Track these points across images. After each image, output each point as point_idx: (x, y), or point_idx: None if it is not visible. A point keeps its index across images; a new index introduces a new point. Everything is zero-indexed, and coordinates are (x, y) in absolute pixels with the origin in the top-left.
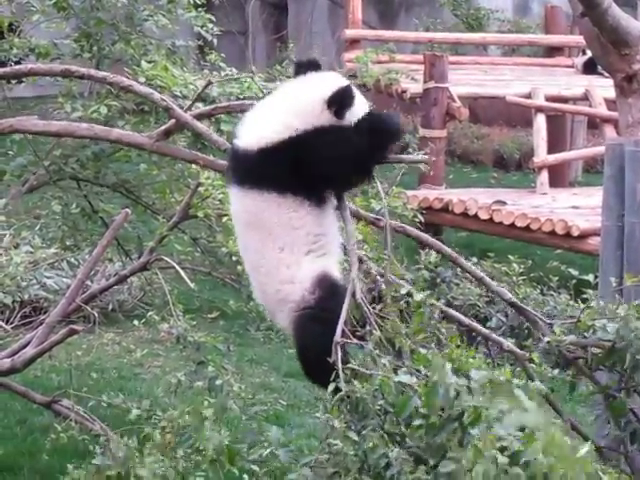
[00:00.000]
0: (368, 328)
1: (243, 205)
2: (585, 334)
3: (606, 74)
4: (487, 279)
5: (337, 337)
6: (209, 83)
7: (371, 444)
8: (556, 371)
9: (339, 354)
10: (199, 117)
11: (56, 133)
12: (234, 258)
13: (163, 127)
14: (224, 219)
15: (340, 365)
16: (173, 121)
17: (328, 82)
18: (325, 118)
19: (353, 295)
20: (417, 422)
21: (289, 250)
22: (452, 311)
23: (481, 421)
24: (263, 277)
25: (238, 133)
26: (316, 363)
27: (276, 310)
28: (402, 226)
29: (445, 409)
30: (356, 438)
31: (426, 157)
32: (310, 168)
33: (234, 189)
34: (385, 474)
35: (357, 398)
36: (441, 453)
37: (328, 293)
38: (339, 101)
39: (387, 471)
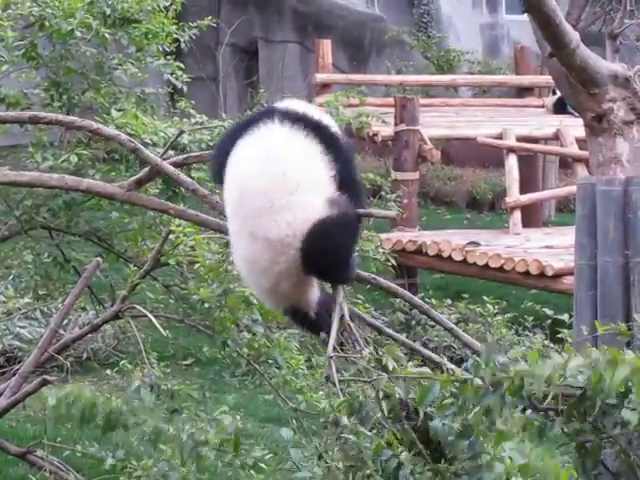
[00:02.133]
0: (358, 348)
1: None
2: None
3: (576, 114)
4: (457, 330)
5: (329, 352)
6: (181, 132)
7: (376, 445)
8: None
9: (333, 367)
10: (172, 166)
11: (27, 183)
12: (206, 305)
13: (135, 177)
14: (196, 266)
15: (336, 377)
16: (145, 170)
17: None
18: None
19: (341, 318)
20: (448, 401)
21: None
22: (423, 350)
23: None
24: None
25: None
26: (341, 262)
27: (283, 241)
28: (374, 277)
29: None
30: (368, 433)
31: (394, 213)
32: None
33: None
34: (398, 474)
35: (360, 402)
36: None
37: (346, 208)
38: None
39: (399, 471)
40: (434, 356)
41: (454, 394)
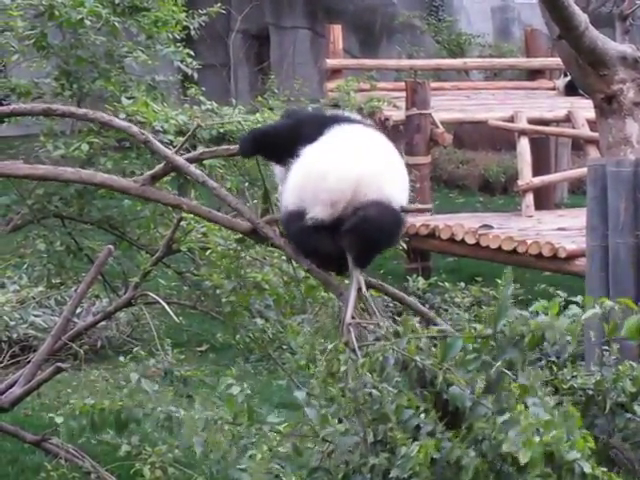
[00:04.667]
0: (375, 319)
1: None
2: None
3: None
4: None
5: (348, 319)
6: (198, 126)
7: (397, 405)
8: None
9: (352, 334)
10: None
11: (41, 177)
12: (218, 291)
13: (150, 172)
14: (207, 252)
15: (355, 342)
16: (160, 166)
17: None
18: None
19: (359, 290)
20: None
21: None
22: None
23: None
24: None
25: None
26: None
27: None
28: (381, 284)
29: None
30: (391, 389)
31: (430, 206)
32: None
33: None
34: (418, 433)
35: (381, 362)
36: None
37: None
38: None
39: (420, 430)
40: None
41: (476, 349)
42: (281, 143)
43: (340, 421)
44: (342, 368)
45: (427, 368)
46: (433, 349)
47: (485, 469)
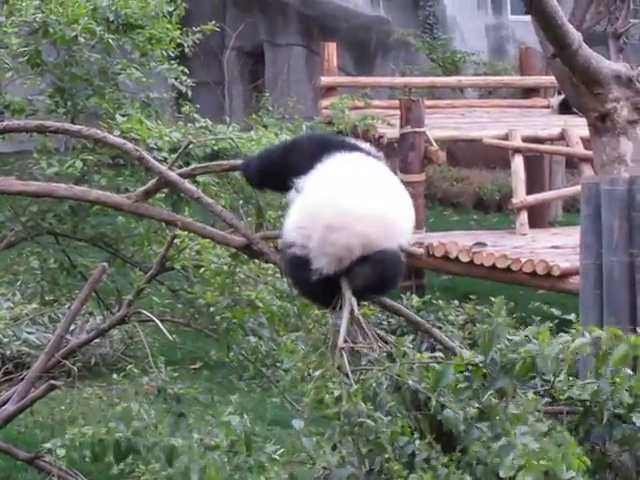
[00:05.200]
0: (367, 341)
1: None
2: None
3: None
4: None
5: (340, 343)
6: (189, 143)
7: (392, 431)
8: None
9: (345, 357)
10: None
11: (34, 193)
12: (212, 309)
13: (143, 188)
14: (201, 270)
15: (348, 367)
16: (153, 182)
17: None
18: None
19: (351, 312)
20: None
21: None
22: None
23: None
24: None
25: None
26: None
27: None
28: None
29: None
30: (384, 418)
31: (422, 250)
32: None
33: None
34: (414, 460)
35: (374, 389)
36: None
37: None
38: None
39: (415, 458)
40: (446, 340)
41: (467, 378)
42: (279, 172)
43: (335, 447)
44: (336, 393)
45: (420, 390)
46: (425, 372)
47: None
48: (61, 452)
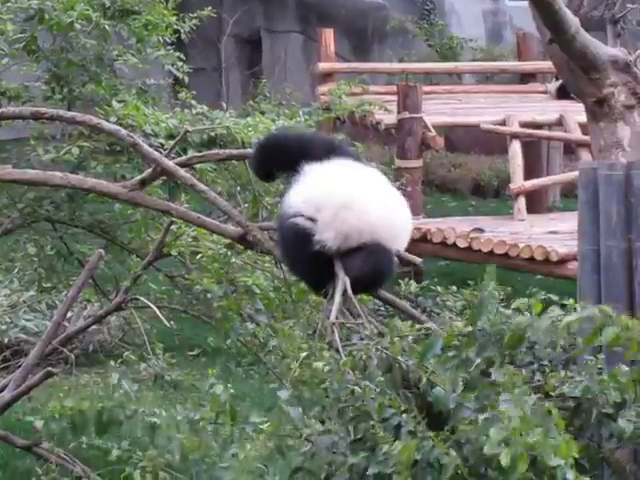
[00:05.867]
0: (360, 320)
1: None
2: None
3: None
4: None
5: (332, 319)
6: (186, 131)
7: (379, 403)
8: None
9: (336, 333)
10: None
11: (30, 181)
12: (209, 295)
13: (139, 177)
14: (198, 256)
15: (339, 342)
16: (149, 171)
17: None
18: None
19: (344, 293)
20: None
21: None
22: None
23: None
24: None
25: None
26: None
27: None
28: None
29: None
30: (372, 386)
31: (420, 260)
32: None
33: None
34: (399, 432)
35: (364, 360)
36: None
37: None
38: None
39: (401, 430)
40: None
41: (456, 347)
42: (291, 153)
43: (323, 422)
44: (322, 365)
45: (411, 369)
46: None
47: (465, 472)
48: (40, 423)
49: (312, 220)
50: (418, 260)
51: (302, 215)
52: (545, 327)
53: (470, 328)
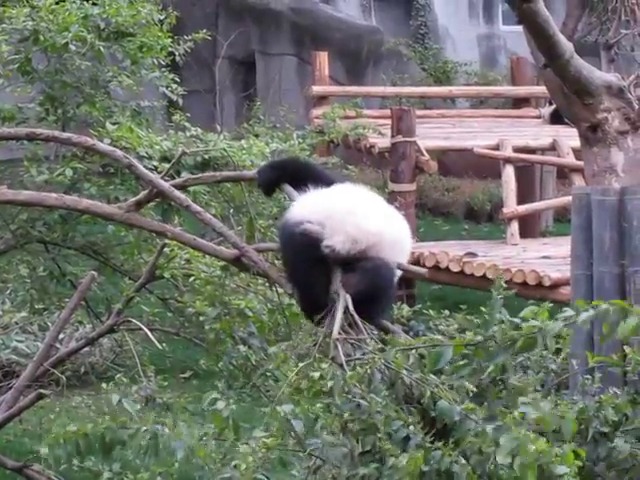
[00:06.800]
0: (360, 336)
1: None
2: None
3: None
4: None
5: (335, 334)
6: (183, 153)
7: (385, 416)
8: None
9: (339, 348)
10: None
11: (24, 202)
12: (201, 318)
13: (134, 199)
14: (191, 279)
15: (342, 358)
16: (144, 192)
17: None
18: None
19: (345, 310)
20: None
21: None
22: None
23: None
24: None
25: None
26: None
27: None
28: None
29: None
30: (379, 400)
31: (424, 270)
32: None
33: None
34: (407, 444)
35: (369, 374)
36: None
37: None
38: None
39: (409, 442)
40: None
41: (467, 355)
42: (301, 170)
43: (333, 433)
44: (329, 384)
45: (414, 384)
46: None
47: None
48: (44, 450)
49: (321, 225)
50: (423, 271)
51: (310, 222)
52: (556, 331)
53: (480, 337)
